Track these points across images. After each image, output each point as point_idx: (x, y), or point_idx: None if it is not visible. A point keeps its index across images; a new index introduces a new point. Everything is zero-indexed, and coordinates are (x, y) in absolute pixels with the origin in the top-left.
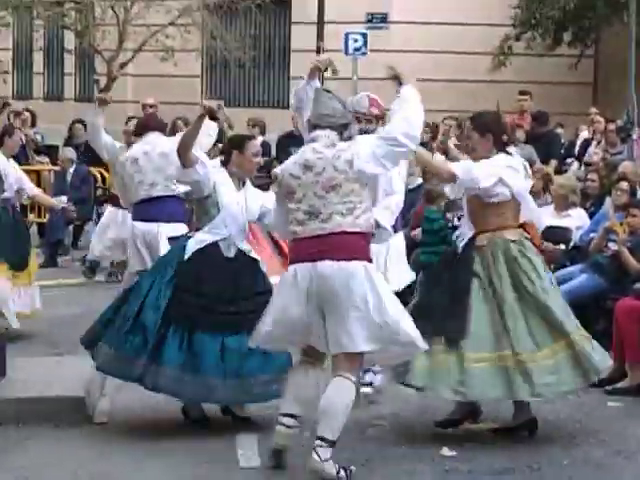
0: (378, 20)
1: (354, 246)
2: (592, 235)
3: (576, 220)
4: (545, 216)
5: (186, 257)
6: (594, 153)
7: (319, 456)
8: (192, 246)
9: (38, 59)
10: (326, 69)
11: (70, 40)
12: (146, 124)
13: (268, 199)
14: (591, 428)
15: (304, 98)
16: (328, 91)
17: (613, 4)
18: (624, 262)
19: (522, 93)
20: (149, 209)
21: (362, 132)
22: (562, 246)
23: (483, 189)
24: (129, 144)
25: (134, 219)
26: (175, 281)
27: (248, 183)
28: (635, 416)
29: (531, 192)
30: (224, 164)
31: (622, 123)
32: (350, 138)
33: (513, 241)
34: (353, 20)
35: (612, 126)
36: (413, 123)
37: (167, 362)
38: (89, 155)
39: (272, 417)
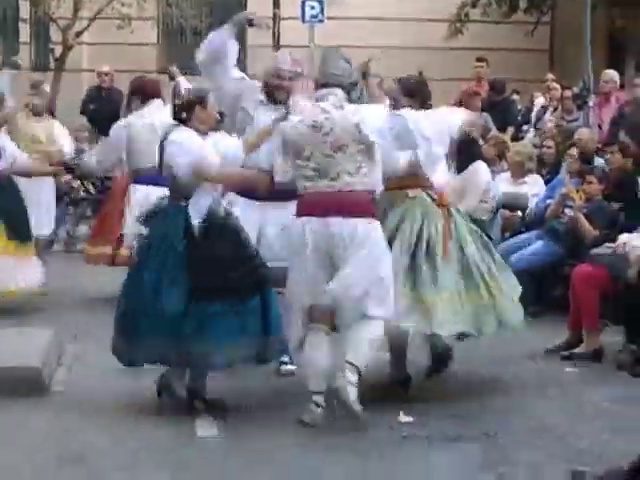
0: None
1: (361, 204)
2: (548, 202)
3: (532, 187)
4: (501, 183)
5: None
6: (548, 120)
7: (346, 377)
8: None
9: None
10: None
11: (25, 9)
12: (152, 91)
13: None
14: (548, 394)
15: (222, 46)
16: (336, 50)
17: None
18: (580, 228)
19: (479, 60)
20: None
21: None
22: (518, 213)
23: None
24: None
25: (141, 183)
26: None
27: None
28: (591, 382)
29: (486, 159)
30: (184, 121)
31: (578, 90)
32: (359, 99)
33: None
34: None
35: (568, 93)
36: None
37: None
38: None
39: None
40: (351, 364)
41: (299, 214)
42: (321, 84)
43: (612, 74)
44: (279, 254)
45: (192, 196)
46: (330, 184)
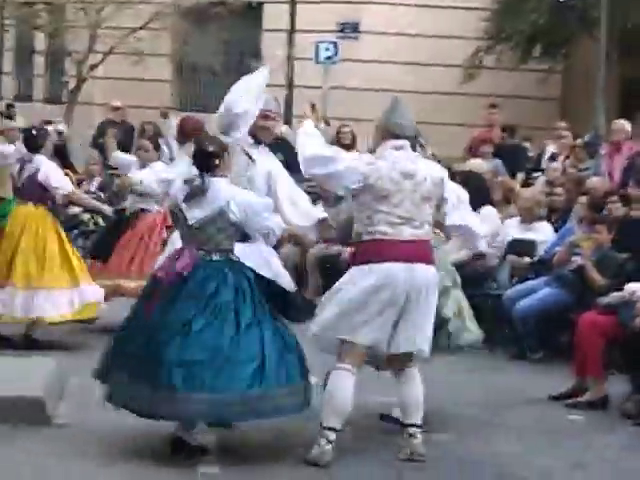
0: (349, 30)
1: (432, 254)
2: (557, 249)
3: (541, 233)
4: (511, 228)
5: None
6: (552, 169)
7: (419, 439)
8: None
9: (8, 59)
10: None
11: (40, 41)
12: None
13: None
14: (552, 441)
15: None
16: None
17: (585, 20)
18: (588, 276)
19: (492, 106)
20: None
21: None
22: (526, 259)
23: None
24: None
25: None
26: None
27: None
28: (596, 430)
29: (493, 203)
30: (211, 169)
31: (589, 139)
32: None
33: None
34: (324, 29)
35: (579, 141)
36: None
37: None
38: (57, 158)
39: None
40: (418, 426)
41: (375, 259)
42: (394, 134)
43: (623, 123)
44: None
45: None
46: (415, 232)
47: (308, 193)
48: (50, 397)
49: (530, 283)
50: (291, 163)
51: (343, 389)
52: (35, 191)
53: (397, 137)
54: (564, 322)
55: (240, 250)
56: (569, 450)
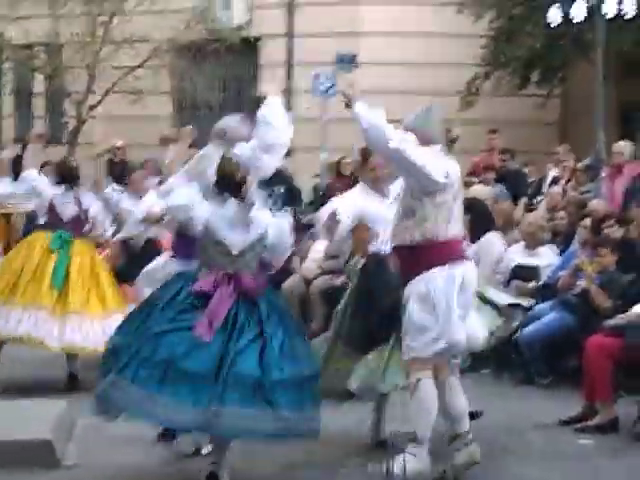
0: (347, 61)
1: None
2: (561, 273)
3: (545, 258)
4: (515, 254)
5: None
6: (553, 194)
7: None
8: None
9: (7, 102)
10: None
11: (39, 83)
12: None
13: None
14: (562, 466)
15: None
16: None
17: (580, 44)
18: (593, 299)
19: (491, 132)
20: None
21: None
22: (532, 284)
23: None
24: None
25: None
26: None
27: None
28: (606, 454)
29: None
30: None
31: (589, 162)
32: None
33: None
34: (322, 61)
35: (580, 165)
36: None
37: None
38: None
39: None
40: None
41: (453, 258)
42: (433, 141)
43: (622, 145)
44: None
45: None
46: (461, 229)
47: (310, 226)
48: (59, 439)
49: (536, 308)
50: (291, 195)
51: (433, 400)
52: (82, 226)
53: (435, 143)
54: (571, 346)
55: None
56: (580, 475)
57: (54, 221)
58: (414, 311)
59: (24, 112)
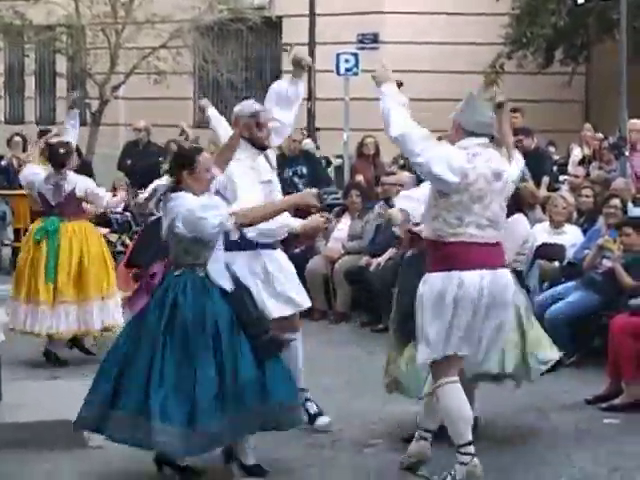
0: (369, 41)
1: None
2: (586, 252)
3: (570, 237)
4: (540, 233)
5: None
6: (575, 175)
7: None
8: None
9: (30, 83)
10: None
11: (62, 64)
12: None
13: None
14: (587, 445)
15: (282, 94)
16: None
17: (604, 22)
18: (618, 279)
19: (513, 110)
20: None
21: None
22: (556, 263)
23: None
24: None
25: None
26: None
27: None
28: (631, 433)
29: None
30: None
31: (615, 140)
32: None
33: None
34: (344, 41)
35: (605, 144)
36: None
37: None
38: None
39: None
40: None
41: (460, 265)
42: (474, 132)
43: (636, 122)
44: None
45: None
46: (495, 234)
47: (334, 205)
48: None
49: (560, 287)
50: (316, 176)
51: (459, 399)
52: (73, 207)
53: (477, 135)
54: (595, 325)
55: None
56: (607, 454)
57: (46, 207)
58: (416, 312)
59: (46, 94)
